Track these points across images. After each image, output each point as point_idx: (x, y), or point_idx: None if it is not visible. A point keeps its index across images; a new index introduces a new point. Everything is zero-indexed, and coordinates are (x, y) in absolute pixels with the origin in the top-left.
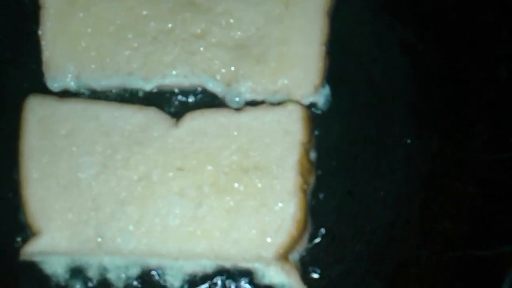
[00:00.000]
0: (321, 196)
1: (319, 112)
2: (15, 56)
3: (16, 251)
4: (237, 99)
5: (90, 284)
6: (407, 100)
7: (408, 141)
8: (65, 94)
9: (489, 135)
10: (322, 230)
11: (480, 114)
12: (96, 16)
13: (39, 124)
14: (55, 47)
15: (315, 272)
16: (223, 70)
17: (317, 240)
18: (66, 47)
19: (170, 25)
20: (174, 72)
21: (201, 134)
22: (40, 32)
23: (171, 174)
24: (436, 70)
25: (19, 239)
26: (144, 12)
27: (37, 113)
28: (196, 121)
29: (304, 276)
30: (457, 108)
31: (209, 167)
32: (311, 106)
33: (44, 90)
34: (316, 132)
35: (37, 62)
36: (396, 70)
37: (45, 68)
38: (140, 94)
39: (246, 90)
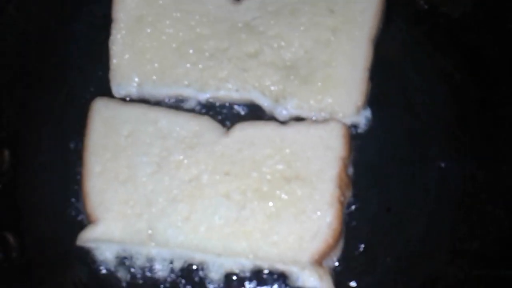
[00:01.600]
0: (356, 209)
1: (359, 131)
2: (84, 62)
3: (73, 237)
4: (283, 113)
5: (136, 273)
6: (444, 125)
7: (442, 164)
8: (127, 100)
9: None
10: (356, 241)
11: None
12: (161, 32)
13: (104, 124)
14: (122, 57)
15: (347, 280)
16: (272, 87)
17: (351, 250)
18: (132, 58)
19: (226, 44)
20: (227, 86)
21: (248, 143)
22: (110, 43)
23: (218, 177)
24: (472, 99)
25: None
26: (204, 32)
27: (102, 114)
28: (245, 131)
29: (336, 284)
30: (490, 135)
31: (254, 174)
32: (352, 126)
33: (108, 95)
34: (356, 150)
35: (103, 69)
36: (435, 97)
37: (111, 76)
38: (195, 104)
39: (292, 107)
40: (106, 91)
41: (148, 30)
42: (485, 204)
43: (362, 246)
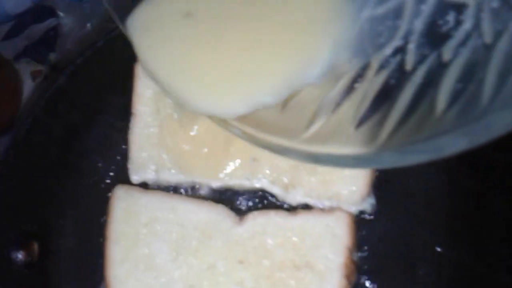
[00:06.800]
0: None
1: (365, 217)
2: (103, 149)
3: None
4: (293, 200)
5: None
6: (440, 212)
7: (439, 249)
8: (144, 185)
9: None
10: None
11: (504, 238)
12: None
13: (124, 212)
14: (140, 149)
15: None
16: (281, 177)
17: None
18: (149, 150)
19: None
20: (238, 175)
21: (260, 232)
22: (129, 136)
23: (233, 265)
24: (468, 191)
25: None
26: None
27: (123, 202)
28: (257, 220)
29: None
30: (483, 229)
31: (266, 262)
32: (360, 212)
33: (126, 178)
34: (362, 235)
35: (121, 154)
36: (433, 186)
37: (130, 165)
38: (209, 190)
39: (301, 195)
40: (124, 175)
41: (164, 122)
42: None
43: None
